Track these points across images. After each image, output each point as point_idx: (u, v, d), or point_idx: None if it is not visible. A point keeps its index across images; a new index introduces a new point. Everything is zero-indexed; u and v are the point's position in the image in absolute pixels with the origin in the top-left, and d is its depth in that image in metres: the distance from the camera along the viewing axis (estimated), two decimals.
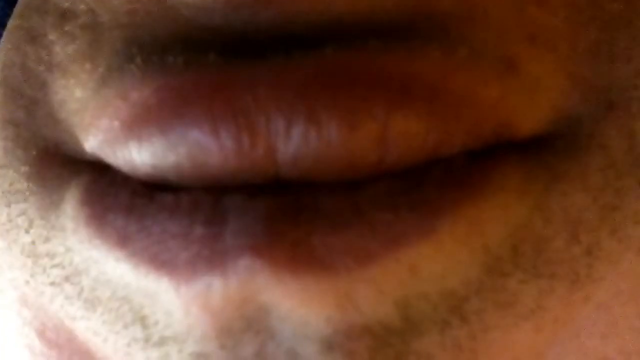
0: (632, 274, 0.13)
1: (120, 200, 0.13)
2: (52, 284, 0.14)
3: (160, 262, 0.12)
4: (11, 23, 0.16)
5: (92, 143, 0.14)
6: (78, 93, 0.14)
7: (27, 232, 0.14)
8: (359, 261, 0.12)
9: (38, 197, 0.14)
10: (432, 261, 0.12)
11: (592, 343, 0.13)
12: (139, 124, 0.13)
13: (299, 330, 0.12)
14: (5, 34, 0.16)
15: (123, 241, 0.13)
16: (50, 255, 0.14)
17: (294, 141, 0.12)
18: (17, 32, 0.15)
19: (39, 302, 0.15)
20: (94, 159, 0.14)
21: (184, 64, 0.13)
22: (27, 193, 0.15)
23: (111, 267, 0.13)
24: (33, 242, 0.14)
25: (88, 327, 0.14)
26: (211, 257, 0.12)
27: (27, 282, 0.15)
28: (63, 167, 0.14)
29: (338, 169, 0.12)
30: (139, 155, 0.13)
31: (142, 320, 0.13)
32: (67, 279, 0.14)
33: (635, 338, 0.14)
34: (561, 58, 0.13)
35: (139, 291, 0.13)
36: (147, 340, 0.13)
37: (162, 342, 0.13)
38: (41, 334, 0.15)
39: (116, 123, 0.13)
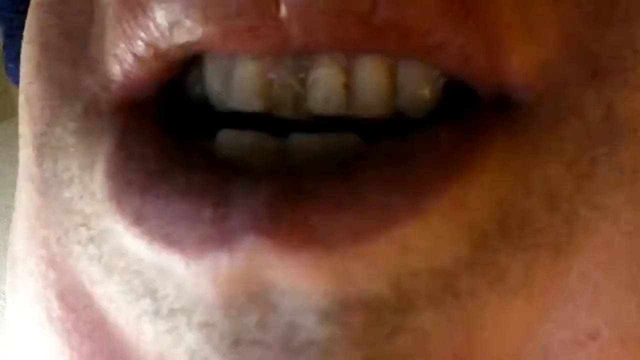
0: (610, 243, 0.14)
1: (137, 179, 0.14)
2: (79, 242, 0.15)
3: (173, 241, 0.13)
4: None
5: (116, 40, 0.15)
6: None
7: (68, 187, 0.15)
8: (354, 239, 0.13)
9: (80, 154, 0.15)
10: (421, 238, 0.13)
11: (579, 315, 0.14)
12: None
13: (298, 303, 0.13)
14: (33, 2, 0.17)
15: (139, 220, 0.14)
16: (82, 214, 0.15)
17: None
18: None
19: (66, 263, 0.15)
20: (123, 105, 0.15)
21: None
22: (73, 149, 0.15)
23: (128, 241, 0.14)
24: (71, 199, 0.15)
25: (105, 294, 0.14)
26: (219, 236, 0.13)
27: (59, 239, 0.15)
28: (99, 123, 0.15)
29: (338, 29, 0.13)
30: (159, 15, 0.14)
31: (152, 294, 0.14)
32: (91, 240, 0.15)
33: (621, 309, 0.14)
34: (560, 10, 0.14)
35: (152, 266, 0.14)
36: (156, 313, 0.14)
37: (171, 314, 0.13)
38: (61, 297, 0.15)
39: None
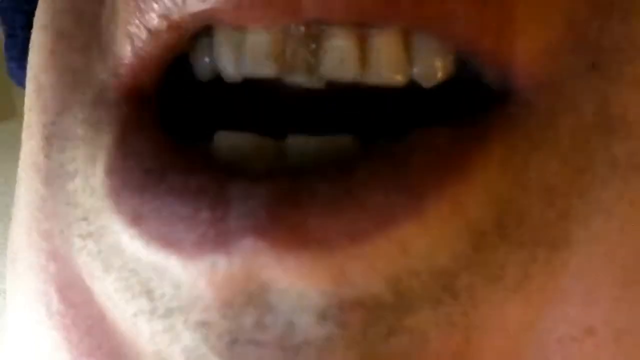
0: (604, 238, 0.14)
1: (134, 178, 0.14)
2: (80, 236, 0.15)
3: (170, 241, 0.13)
4: None
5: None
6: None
7: (72, 180, 0.15)
8: (352, 239, 0.13)
9: (85, 146, 0.15)
10: (420, 239, 0.13)
11: (575, 312, 0.14)
12: None
13: (296, 303, 0.13)
14: None
15: (137, 220, 0.14)
16: (83, 208, 0.15)
17: None
18: None
19: (67, 256, 0.15)
20: (128, 93, 0.15)
21: None
22: (79, 141, 0.16)
23: (125, 240, 0.14)
24: (75, 191, 0.15)
25: (103, 290, 0.15)
26: (216, 238, 0.13)
27: (62, 231, 0.16)
28: (105, 114, 0.15)
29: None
30: None
31: (148, 293, 0.14)
32: (90, 235, 0.15)
33: (616, 306, 0.14)
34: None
35: (148, 266, 0.14)
36: (152, 312, 0.14)
37: (167, 313, 0.13)
38: (61, 291, 0.16)
39: None
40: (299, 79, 0.15)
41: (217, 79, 0.16)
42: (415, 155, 0.13)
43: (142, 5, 0.14)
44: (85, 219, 0.15)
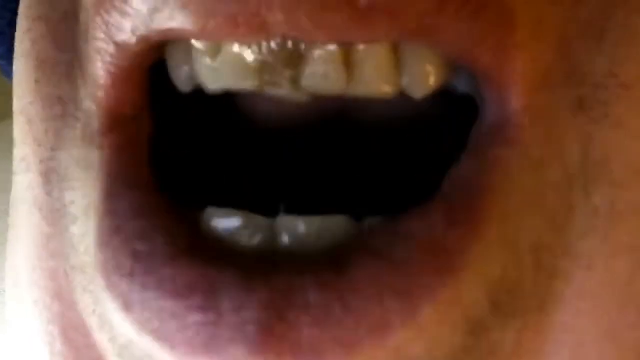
0: (587, 292, 0.14)
1: (123, 263, 0.14)
2: (80, 284, 0.15)
3: (162, 336, 0.13)
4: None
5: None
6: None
7: (74, 223, 0.15)
8: (346, 350, 0.13)
9: (82, 192, 0.15)
10: (417, 342, 0.13)
11: None
12: None
13: None
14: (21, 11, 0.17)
15: (128, 307, 0.14)
16: (84, 256, 0.15)
17: None
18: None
19: (72, 298, 0.15)
20: (110, 124, 0.15)
21: None
22: (78, 183, 0.15)
23: (117, 320, 0.14)
24: (77, 236, 0.15)
25: (101, 340, 0.15)
26: (208, 342, 0.13)
27: (67, 274, 0.15)
28: (94, 153, 0.15)
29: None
30: (137, 2, 0.14)
31: None
32: (89, 291, 0.15)
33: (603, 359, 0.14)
34: (560, 12, 0.13)
35: (140, 349, 0.14)
36: None
37: None
38: (64, 333, 0.16)
39: None
40: (281, 92, 0.15)
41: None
42: (410, 254, 0.13)
43: (108, 19, 0.14)
44: (83, 271, 0.15)
